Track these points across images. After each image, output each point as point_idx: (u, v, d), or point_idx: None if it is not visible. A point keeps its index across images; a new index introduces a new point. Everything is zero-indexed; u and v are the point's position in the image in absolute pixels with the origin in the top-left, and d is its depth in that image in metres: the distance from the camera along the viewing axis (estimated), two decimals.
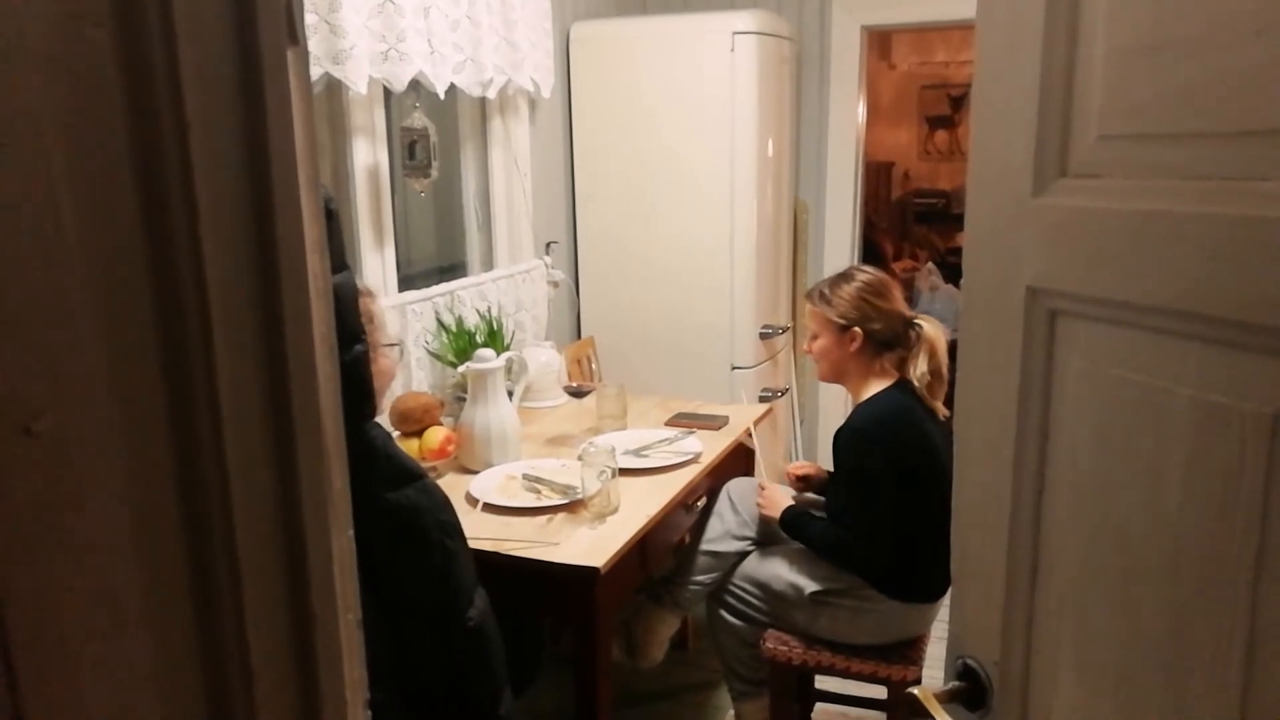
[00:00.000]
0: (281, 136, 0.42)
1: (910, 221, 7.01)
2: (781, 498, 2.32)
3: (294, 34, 0.43)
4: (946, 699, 0.99)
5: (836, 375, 2.28)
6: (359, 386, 1.27)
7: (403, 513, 1.37)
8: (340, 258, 1.23)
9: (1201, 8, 0.71)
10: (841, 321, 2.18)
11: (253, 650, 0.44)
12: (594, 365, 3.09)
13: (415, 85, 2.38)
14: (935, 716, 0.94)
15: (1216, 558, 0.72)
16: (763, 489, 2.36)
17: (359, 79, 2.15)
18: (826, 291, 2.23)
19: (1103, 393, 0.82)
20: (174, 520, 0.42)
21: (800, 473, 2.47)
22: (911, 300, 5.27)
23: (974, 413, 0.98)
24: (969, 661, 1.00)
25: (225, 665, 0.44)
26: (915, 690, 0.97)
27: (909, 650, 2.21)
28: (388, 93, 2.44)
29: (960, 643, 1.03)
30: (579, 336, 3.42)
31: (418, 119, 2.47)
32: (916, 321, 2.22)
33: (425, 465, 2.06)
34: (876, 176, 6.82)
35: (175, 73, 0.38)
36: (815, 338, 2.25)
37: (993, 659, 0.97)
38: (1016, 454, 0.91)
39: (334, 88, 2.25)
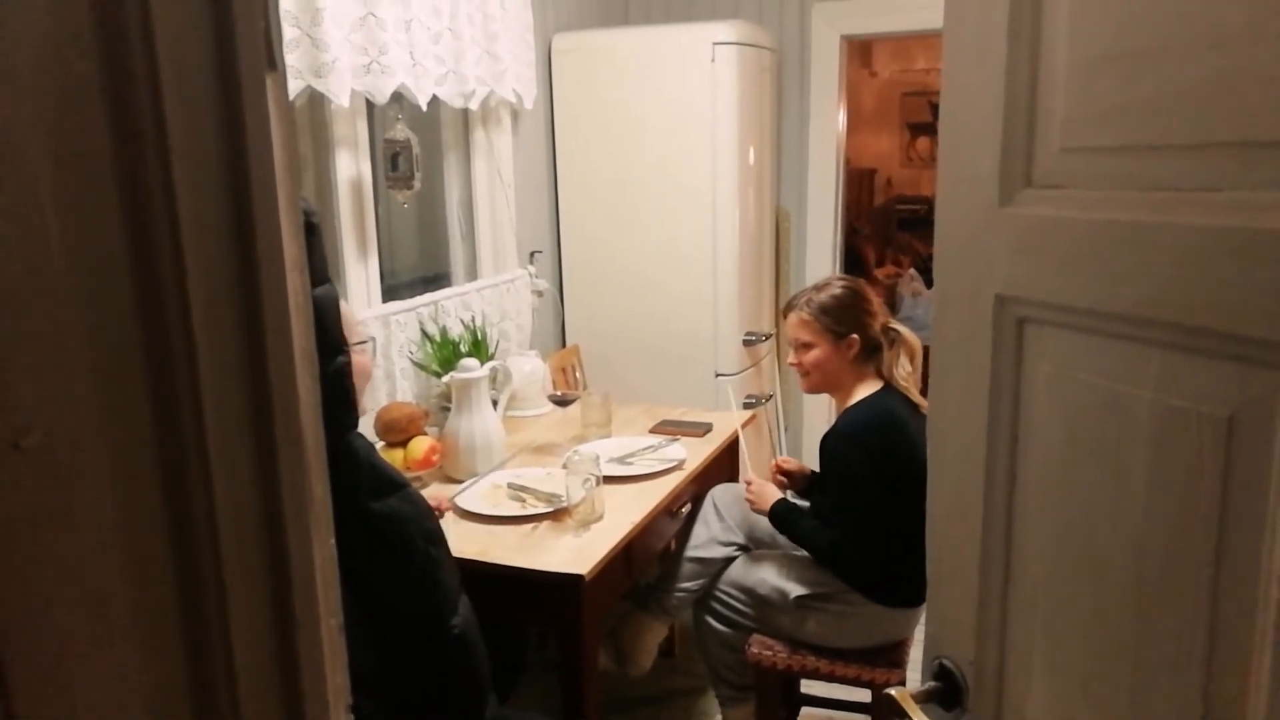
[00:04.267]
0: (261, 159, 0.44)
1: (893, 228, 7.06)
2: (771, 491, 2.32)
3: (273, 60, 0.44)
4: (923, 699, 1.00)
5: (829, 385, 2.27)
6: (342, 398, 1.28)
7: (387, 522, 1.38)
8: (323, 270, 1.24)
9: (1158, 21, 0.73)
10: (839, 329, 2.20)
11: (236, 654, 0.45)
12: (578, 374, 3.10)
13: (398, 97, 2.39)
14: (912, 716, 0.96)
15: (1178, 556, 0.74)
16: (749, 484, 2.36)
17: (341, 92, 2.16)
18: (818, 300, 2.22)
19: (1070, 397, 0.84)
20: (160, 531, 0.43)
21: (786, 467, 2.44)
22: (894, 306, 5.31)
23: (947, 417, 1.00)
24: (945, 662, 1.02)
25: (210, 670, 0.45)
26: (892, 691, 0.98)
27: (893, 654, 2.23)
28: (370, 105, 2.45)
29: (937, 643, 1.05)
30: (563, 345, 3.43)
31: (400, 130, 2.48)
32: (892, 327, 2.25)
33: (410, 475, 2.07)
34: (859, 183, 6.87)
35: (158, 99, 0.39)
36: (807, 349, 2.23)
37: (968, 659, 0.99)
38: (988, 457, 0.93)
39: (316, 100, 2.25)
